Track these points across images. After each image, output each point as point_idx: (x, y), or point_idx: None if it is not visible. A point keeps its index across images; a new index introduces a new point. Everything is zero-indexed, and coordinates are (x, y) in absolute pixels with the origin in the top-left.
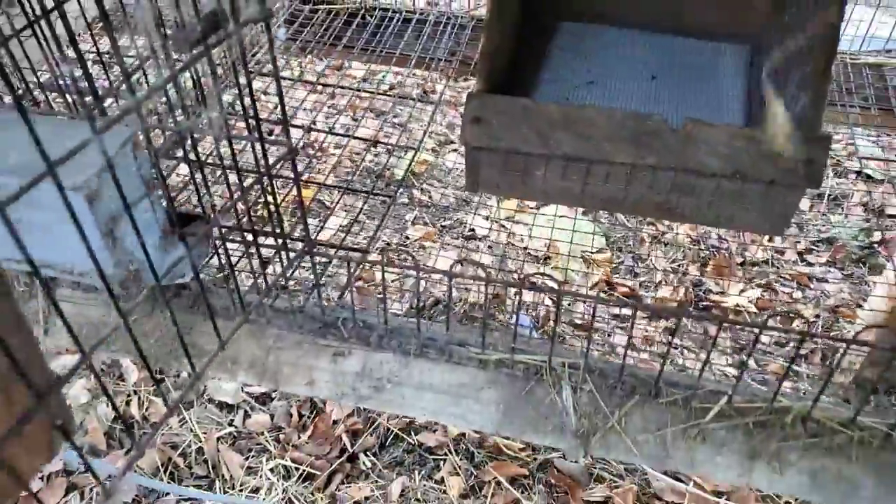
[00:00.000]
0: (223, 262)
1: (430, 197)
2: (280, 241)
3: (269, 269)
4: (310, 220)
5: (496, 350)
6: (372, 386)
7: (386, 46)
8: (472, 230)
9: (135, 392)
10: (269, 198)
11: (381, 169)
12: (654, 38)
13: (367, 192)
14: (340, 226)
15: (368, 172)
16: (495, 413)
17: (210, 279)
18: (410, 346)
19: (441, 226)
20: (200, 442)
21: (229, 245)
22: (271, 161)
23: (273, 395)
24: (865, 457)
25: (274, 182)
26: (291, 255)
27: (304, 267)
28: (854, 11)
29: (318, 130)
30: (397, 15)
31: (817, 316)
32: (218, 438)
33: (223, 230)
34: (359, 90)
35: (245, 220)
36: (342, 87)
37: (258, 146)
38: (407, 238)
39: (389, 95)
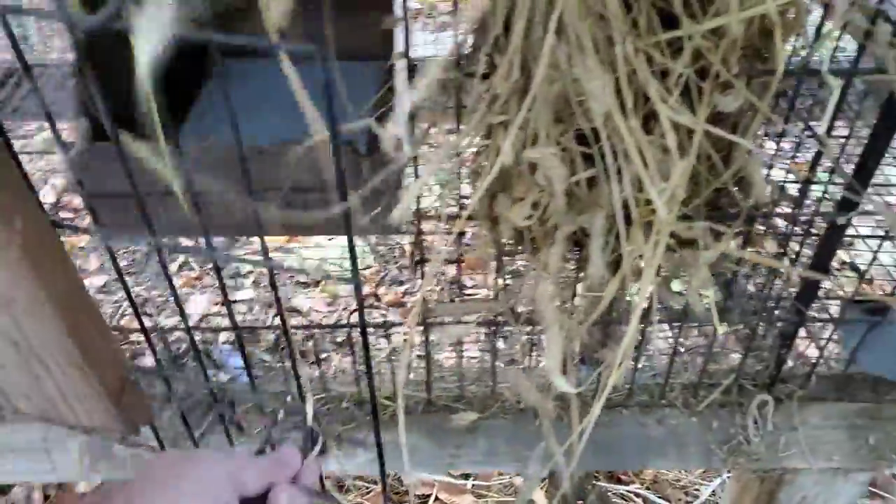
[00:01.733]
0: None
1: (196, 241)
2: None
3: None
4: None
5: None
6: None
7: None
8: (237, 268)
9: None
10: None
11: None
12: (304, 67)
13: None
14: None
15: None
16: None
17: None
18: None
19: (210, 267)
20: None
21: None
22: None
23: (13, 484)
24: None
25: None
26: None
27: None
28: None
29: None
30: None
31: None
32: None
33: None
34: None
35: None
36: None
37: None
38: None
39: None
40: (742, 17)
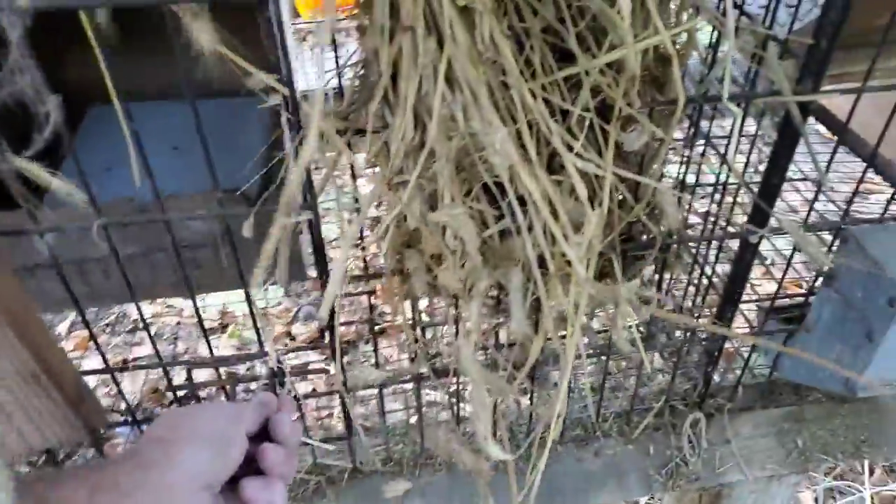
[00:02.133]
0: None
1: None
2: None
3: None
4: None
5: None
6: None
7: None
8: (135, 321)
9: None
10: None
11: None
12: (181, 107)
13: None
14: None
15: None
16: None
17: None
18: None
19: (105, 324)
20: None
21: None
22: None
23: None
24: None
25: None
26: None
27: None
28: None
29: None
30: None
31: None
32: None
33: None
34: None
35: None
36: None
37: None
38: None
39: None
40: (638, 48)
